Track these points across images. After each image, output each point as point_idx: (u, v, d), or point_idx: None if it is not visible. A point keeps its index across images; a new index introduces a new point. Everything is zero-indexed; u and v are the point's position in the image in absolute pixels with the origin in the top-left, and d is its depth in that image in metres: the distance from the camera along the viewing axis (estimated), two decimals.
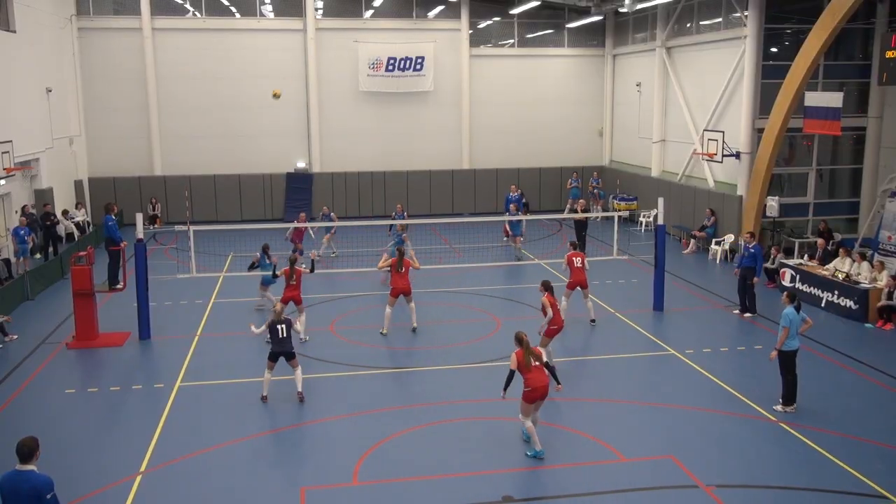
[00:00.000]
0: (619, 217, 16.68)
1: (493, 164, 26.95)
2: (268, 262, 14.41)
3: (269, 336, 10.42)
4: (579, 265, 13.50)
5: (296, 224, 17.21)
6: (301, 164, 25.84)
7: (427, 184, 26.57)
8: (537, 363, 8.52)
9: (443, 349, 12.57)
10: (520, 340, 8.51)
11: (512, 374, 8.49)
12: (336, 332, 13.46)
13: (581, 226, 19.78)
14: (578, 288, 13.63)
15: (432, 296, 16.19)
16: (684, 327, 13.83)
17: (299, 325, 10.53)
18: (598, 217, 24.17)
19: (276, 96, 18.85)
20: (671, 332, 13.50)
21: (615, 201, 25.21)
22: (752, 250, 14.57)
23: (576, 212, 20.50)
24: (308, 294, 15.99)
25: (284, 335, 10.20)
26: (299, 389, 10.27)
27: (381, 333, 13.15)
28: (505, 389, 8.59)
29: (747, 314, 14.48)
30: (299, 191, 25.46)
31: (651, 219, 22.95)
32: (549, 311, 10.78)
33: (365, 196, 26.00)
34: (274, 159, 25.56)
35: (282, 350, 10.17)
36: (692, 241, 20.70)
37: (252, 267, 13.09)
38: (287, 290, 12.67)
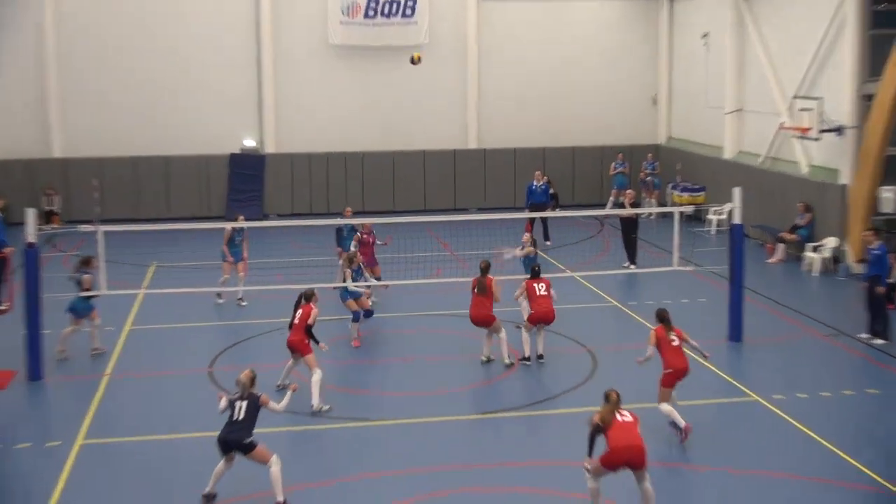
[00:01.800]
0: (681, 214, 16.55)
1: (510, 142, 26.83)
2: (78, 282, 13.89)
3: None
4: (543, 293, 13.72)
5: (359, 235, 16.14)
6: (249, 143, 25.75)
7: (420, 169, 26.44)
8: (625, 418, 8.89)
9: (435, 396, 12.56)
10: (606, 398, 8.99)
11: (594, 433, 8.83)
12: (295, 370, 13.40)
13: (629, 226, 19.67)
14: (541, 324, 13.82)
15: (425, 320, 16.03)
16: (771, 364, 13.77)
17: (282, 403, 9.74)
18: (651, 214, 24.00)
19: (415, 61, 17.30)
20: (753, 371, 13.46)
21: (675, 192, 25.09)
22: (877, 251, 14.50)
23: (621, 206, 20.37)
24: (262, 318, 15.90)
25: (240, 417, 9.30)
26: (278, 499, 9.25)
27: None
28: (589, 454, 8.86)
29: (877, 340, 14.45)
30: (247, 178, 25.35)
31: (724, 216, 22.84)
32: (650, 350, 11.08)
33: (336, 186, 25.84)
34: (213, 136, 25.46)
35: (230, 437, 9.24)
36: (780, 246, 20.59)
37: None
38: (291, 333, 12.32)
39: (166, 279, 18.13)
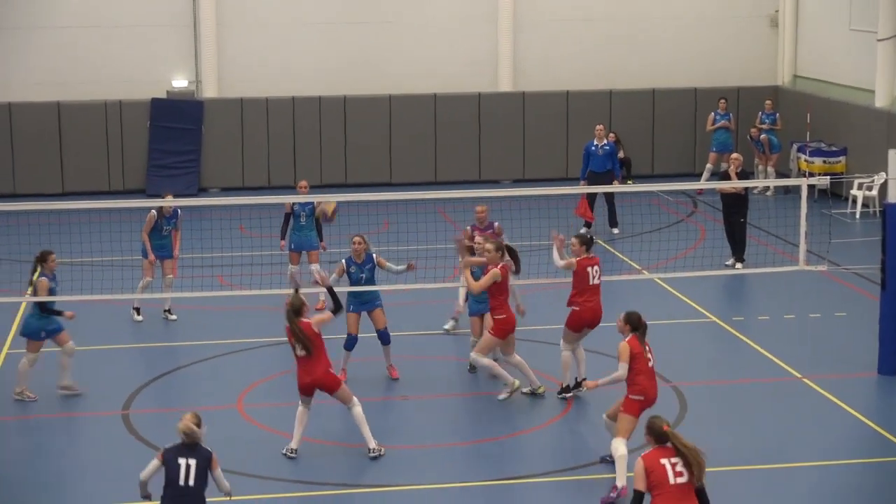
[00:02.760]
0: (812, 188, 16.55)
1: (559, 82, 26.87)
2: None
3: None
4: (596, 281, 13.65)
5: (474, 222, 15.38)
6: (180, 84, 25.97)
7: (431, 121, 26.43)
8: (681, 480, 8.37)
9: (443, 451, 12.61)
10: (651, 431, 8.58)
11: (637, 499, 8.57)
12: (245, 412, 13.58)
13: (735, 206, 19.63)
14: (586, 329, 13.75)
15: (430, 342, 16.11)
16: None
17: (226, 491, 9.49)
18: (768, 188, 24.03)
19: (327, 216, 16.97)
20: None
21: (802, 157, 25.15)
22: None
23: (724, 177, 20.35)
24: (199, 338, 16.07)
25: (191, 483, 9.06)
26: None
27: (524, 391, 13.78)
28: None
29: None
30: (176, 135, 25.49)
31: (874, 192, 22.86)
32: (622, 369, 11.04)
33: (305, 146, 25.96)
34: (126, 73, 25.63)
35: None
36: None
37: None
38: (300, 368, 12.11)
39: (60, 283, 18.26)
